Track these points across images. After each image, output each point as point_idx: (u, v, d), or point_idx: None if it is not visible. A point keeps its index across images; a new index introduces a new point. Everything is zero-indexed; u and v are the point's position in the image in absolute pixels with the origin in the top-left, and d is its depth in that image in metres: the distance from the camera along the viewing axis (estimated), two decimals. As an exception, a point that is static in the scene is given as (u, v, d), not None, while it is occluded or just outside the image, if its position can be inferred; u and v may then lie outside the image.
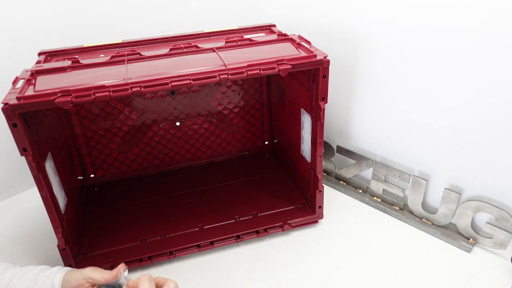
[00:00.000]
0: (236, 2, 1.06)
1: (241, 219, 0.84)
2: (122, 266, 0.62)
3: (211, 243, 0.79)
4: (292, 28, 0.90)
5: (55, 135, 0.80)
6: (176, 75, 0.63)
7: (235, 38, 0.76)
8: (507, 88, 0.66)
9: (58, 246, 0.69)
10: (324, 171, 1.00)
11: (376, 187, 0.90)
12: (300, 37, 0.76)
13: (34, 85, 0.62)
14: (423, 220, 0.84)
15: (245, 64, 0.65)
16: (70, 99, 0.58)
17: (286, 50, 0.72)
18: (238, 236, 0.80)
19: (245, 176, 0.98)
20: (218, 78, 0.63)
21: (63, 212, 0.71)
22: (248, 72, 0.64)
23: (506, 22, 0.62)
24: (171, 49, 0.72)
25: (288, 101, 0.90)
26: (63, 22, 0.93)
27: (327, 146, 0.96)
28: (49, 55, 0.78)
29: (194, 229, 0.82)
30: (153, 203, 0.91)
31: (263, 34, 0.85)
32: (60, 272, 0.63)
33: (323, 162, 0.84)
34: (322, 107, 0.72)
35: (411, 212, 0.86)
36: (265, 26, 0.89)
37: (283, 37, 0.77)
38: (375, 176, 0.89)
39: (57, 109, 0.86)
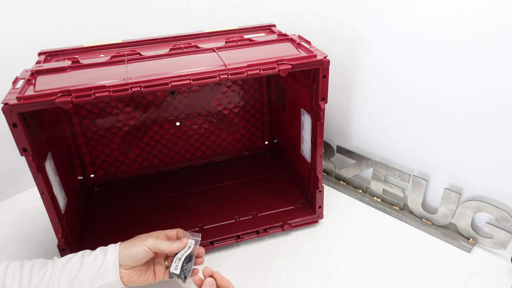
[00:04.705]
0: (236, 2, 1.06)
1: (241, 219, 0.84)
2: (186, 235, 0.64)
3: (211, 243, 0.79)
4: (292, 28, 0.90)
5: (55, 135, 0.80)
6: (176, 75, 0.63)
7: (235, 38, 0.76)
8: (507, 88, 0.66)
9: (58, 246, 0.69)
10: (324, 171, 1.00)
11: (376, 187, 0.90)
12: (300, 37, 0.76)
13: (34, 85, 0.62)
14: (423, 220, 0.84)
15: (245, 64, 0.65)
16: (70, 99, 0.58)
17: (286, 50, 0.72)
18: (238, 236, 0.80)
19: (245, 176, 0.98)
20: (218, 78, 0.63)
21: (63, 212, 0.71)
22: (248, 72, 0.64)
23: (507, 22, 0.62)
24: (171, 49, 0.72)
25: (288, 101, 0.90)
26: (63, 22, 0.93)
27: (327, 146, 0.96)
28: (49, 55, 0.78)
29: (194, 229, 0.82)
30: (153, 203, 0.91)
31: (263, 34, 0.85)
32: (111, 250, 0.60)
33: (323, 162, 0.84)
34: (322, 107, 0.72)
35: (411, 212, 0.86)
36: (265, 26, 0.89)
37: (283, 37, 0.77)
38: (375, 176, 0.89)
39: (57, 109, 0.85)
